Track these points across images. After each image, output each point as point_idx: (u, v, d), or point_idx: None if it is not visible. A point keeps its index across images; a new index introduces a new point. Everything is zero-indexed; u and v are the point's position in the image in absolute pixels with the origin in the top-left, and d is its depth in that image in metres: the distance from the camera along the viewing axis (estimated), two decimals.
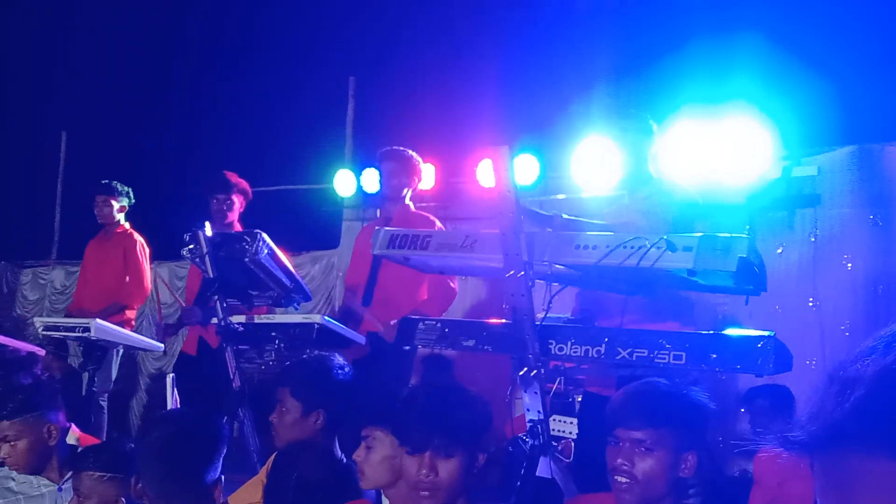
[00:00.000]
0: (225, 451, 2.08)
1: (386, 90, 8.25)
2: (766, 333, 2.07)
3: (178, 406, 2.38)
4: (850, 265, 4.75)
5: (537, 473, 2.43)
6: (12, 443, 2.58)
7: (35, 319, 4.27)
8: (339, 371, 2.64)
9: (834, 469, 0.67)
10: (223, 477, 2.20)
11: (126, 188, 5.34)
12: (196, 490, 1.92)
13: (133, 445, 2.04)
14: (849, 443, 0.65)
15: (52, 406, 2.68)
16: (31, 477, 2.66)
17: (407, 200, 4.31)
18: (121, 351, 4.57)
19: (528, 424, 2.47)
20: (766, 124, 4.26)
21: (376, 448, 2.21)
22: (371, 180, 5.89)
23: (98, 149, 10.60)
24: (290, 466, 2.65)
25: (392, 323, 3.82)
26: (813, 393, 0.71)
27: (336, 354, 2.73)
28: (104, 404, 4.85)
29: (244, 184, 4.76)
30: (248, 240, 3.08)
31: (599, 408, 1.93)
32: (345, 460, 2.60)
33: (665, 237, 2.06)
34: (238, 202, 4.70)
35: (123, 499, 2.28)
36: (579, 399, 3.77)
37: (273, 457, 2.75)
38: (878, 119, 5.15)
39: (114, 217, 5.26)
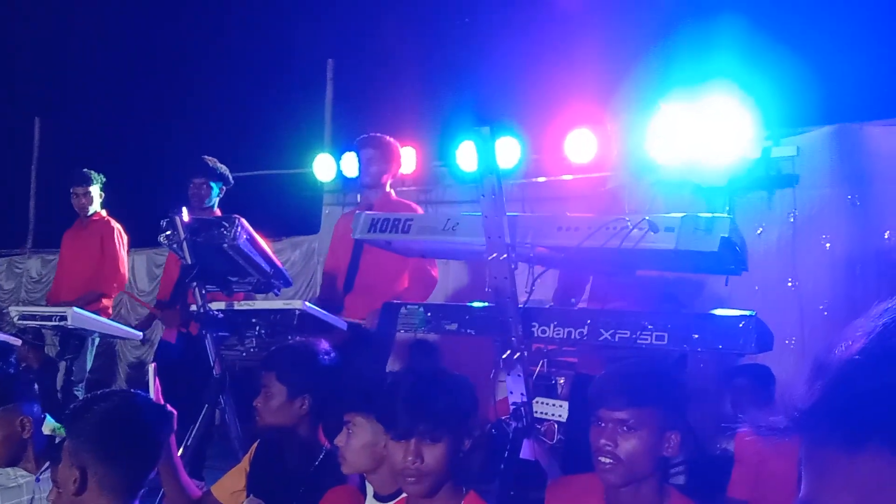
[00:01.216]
0: (162, 446, 1.99)
1: (365, 72, 8.18)
2: (747, 313, 2.08)
3: (160, 395, 2.34)
4: (828, 245, 4.78)
5: (521, 456, 2.43)
6: None
7: (11, 308, 4.21)
8: (325, 356, 2.63)
9: (807, 455, 0.67)
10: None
11: (100, 175, 5.27)
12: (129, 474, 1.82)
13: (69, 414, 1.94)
14: (813, 432, 0.65)
15: (25, 398, 2.64)
16: (8, 469, 2.62)
17: (387, 188, 4.28)
18: (96, 340, 4.51)
19: (511, 407, 2.47)
20: (746, 105, 4.27)
21: (357, 434, 2.20)
22: (351, 165, 5.85)
23: (72, 135, 10.43)
24: (273, 453, 2.63)
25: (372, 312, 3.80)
26: (797, 375, 0.71)
27: (321, 340, 2.71)
28: (79, 394, 4.80)
29: (223, 168, 4.71)
30: (227, 225, 3.03)
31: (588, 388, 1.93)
32: (328, 446, 2.58)
33: (647, 217, 2.05)
34: (217, 187, 4.66)
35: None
36: (562, 381, 3.79)
37: (255, 444, 2.73)
38: (857, 98, 5.18)
39: (90, 205, 5.18)
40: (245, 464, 2.69)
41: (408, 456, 1.79)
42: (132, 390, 2.00)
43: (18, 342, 4.74)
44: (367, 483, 2.35)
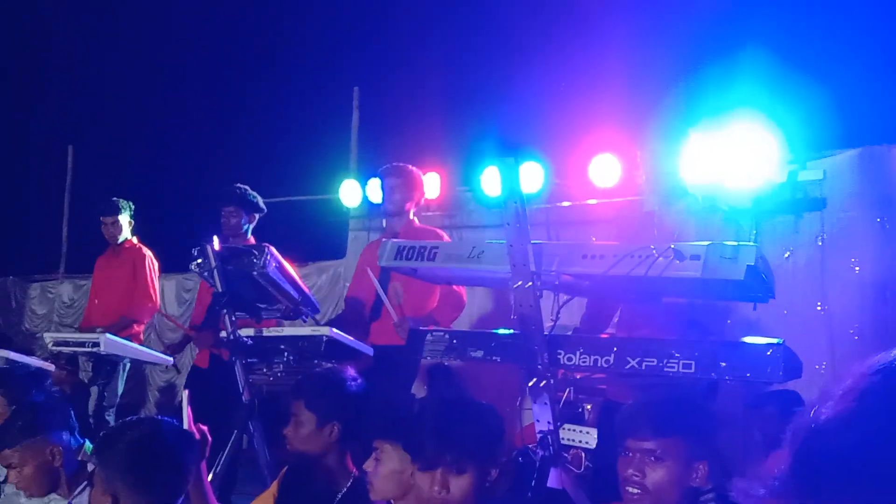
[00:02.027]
0: (192, 470, 2.02)
1: (390, 100, 8.28)
2: (775, 341, 2.07)
3: (192, 422, 2.37)
4: (857, 268, 4.73)
5: (548, 484, 2.43)
6: (19, 469, 2.59)
7: (45, 335, 4.29)
8: (352, 383, 2.65)
9: None
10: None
11: (128, 203, 5.34)
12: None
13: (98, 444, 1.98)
14: (787, 501, 0.66)
15: (54, 427, 2.69)
16: (44, 498, 2.67)
17: (411, 216, 4.32)
18: (127, 365, 4.58)
19: (538, 435, 2.47)
20: (772, 129, 4.26)
21: (384, 461, 2.22)
22: (376, 191, 5.91)
23: (105, 162, 10.65)
24: (302, 480, 2.65)
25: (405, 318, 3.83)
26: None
27: (348, 367, 2.73)
28: (110, 419, 4.86)
29: (255, 196, 4.76)
30: (256, 253, 3.09)
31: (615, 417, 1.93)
32: (356, 473, 2.60)
33: (672, 246, 2.06)
34: (248, 215, 4.70)
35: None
36: (589, 408, 3.76)
37: (284, 470, 2.75)
38: (883, 121, 5.14)
39: (120, 234, 5.26)
40: (274, 489, 2.71)
41: (434, 486, 1.80)
42: (160, 417, 2.04)
43: (52, 367, 4.84)
44: None
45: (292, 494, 2.65)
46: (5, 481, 2.80)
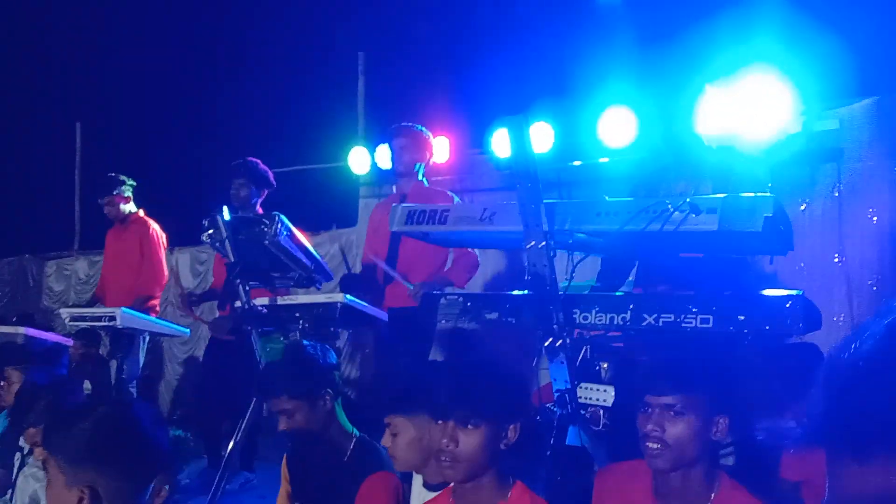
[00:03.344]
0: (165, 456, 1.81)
1: (396, 64, 8.18)
2: (794, 293, 2.05)
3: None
4: (875, 219, 4.66)
5: (567, 442, 2.43)
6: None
7: (62, 310, 4.32)
8: (315, 351, 2.60)
9: (827, 461, 0.65)
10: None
11: (122, 177, 5.31)
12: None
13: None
14: (826, 442, 0.64)
15: (75, 402, 2.71)
16: None
17: (420, 176, 4.29)
18: (147, 338, 4.62)
19: (556, 394, 2.47)
20: (787, 79, 4.17)
21: (401, 433, 2.23)
22: (385, 157, 5.87)
23: (113, 138, 10.65)
24: (304, 458, 2.64)
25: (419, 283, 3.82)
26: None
27: (302, 340, 2.68)
28: (134, 391, 4.92)
29: (263, 168, 4.77)
30: (267, 222, 3.08)
31: (634, 374, 1.92)
32: (357, 434, 2.59)
33: (688, 199, 2.02)
34: (258, 187, 4.71)
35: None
36: (605, 366, 3.76)
37: (284, 459, 2.75)
38: None
39: (123, 211, 5.27)
40: (285, 482, 2.72)
41: (443, 438, 1.81)
42: (115, 397, 1.91)
43: (70, 342, 4.88)
44: (414, 475, 2.37)
45: (301, 476, 2.66)
46: (27, 456, 2.84)
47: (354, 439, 2.57)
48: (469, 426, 1.82)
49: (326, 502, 2.51)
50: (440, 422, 1.86)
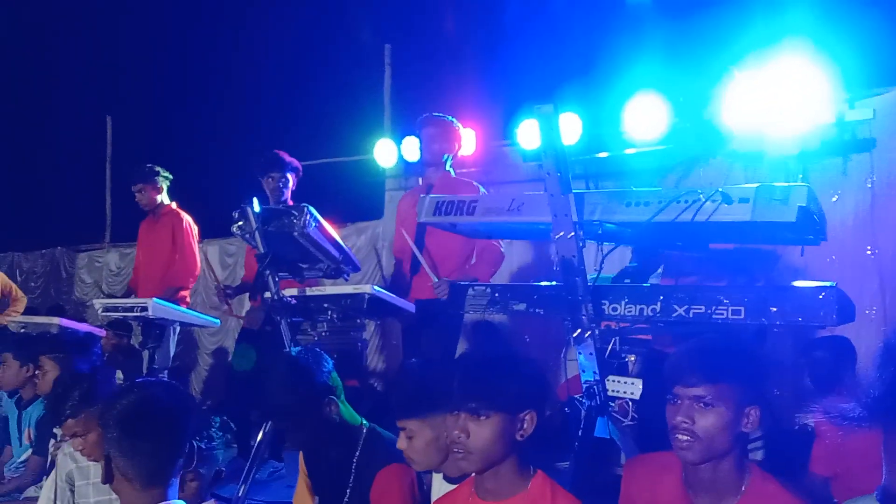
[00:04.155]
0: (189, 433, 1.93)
1: (422, 56, 8.17)
2: (827, 284, 2.02)
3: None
4: None
5: (595, 434, 2.43)
6: (84, 437, 2.65)
7: (95, 301, 4.40)
8: (308, 364, 2.52)
9: (886, 442, 0.65)
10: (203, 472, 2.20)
11: (158, 168, 5.37)
12: (152, 467, 1.80)
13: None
14: (888, 420, 0.63)
15: (109, 391, 2.75)
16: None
17: (448, 167, 4.30)
18: (177, 328, 4.68)
19: (584, 385, 2.46)
20: (820, 67, 4.10)
21: (416, 436, 2.20)
22: (411, 149, 5.87)
23: (143, 130, 10.77)
24: (319, 456, 2.64)
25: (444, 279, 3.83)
26: (872, 360, 0.68)
27: (292, 355, 2.57)
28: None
29: (295, 161, 4.83)
30: (296, 214, 3.10)
31: (662, 365, 1.90)
32: (367, 425, 2.59)
33: (720, 189, 2.00)
34: (292, 179, 4.77)
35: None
36: (632, 359, 3.74)
37: (301, 456, 2.75)
38: None
39: (155, 200, 5.32)
40: (303, 475, 2.74)
41: (454, 429, 1.82)
42: (159, 379, 2.01)
43: (103, 333, 4.97)
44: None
45: (319, 472, 2.66)
46: (61, 443, 2.89)
47: (364, 431, 2.55)
48: (481, 416, 1.81)
49: (343, 496, 2.52)
50: (454, 413, 1.86)
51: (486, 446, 1.81)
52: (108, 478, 1.80)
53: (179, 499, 1.84)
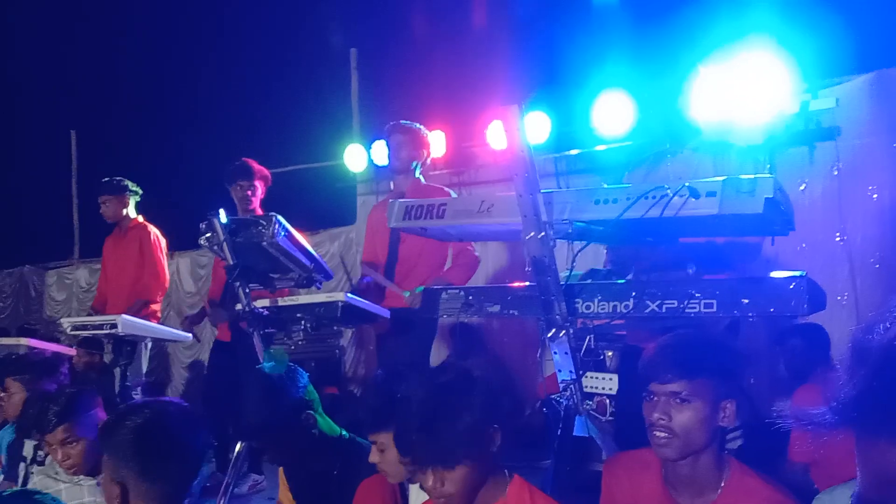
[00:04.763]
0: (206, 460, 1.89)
1: (389, 59, 8.14)
2: (797, 274, 2.02)
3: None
4: (875, 196, 4.64)
5: (574, 433, 2.41)
6: (72, 444, 2.59)
7: (62, 320, 4.30)
8: (283, 383, 2.49)
9: (859, 447, 0.63)
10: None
11: (127, 183, 5.29)
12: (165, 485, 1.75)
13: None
14: (861, 425, 0.61)
15: (96, 405, 2.70)
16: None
17: (417, 174, 4.27)
18: (149, 344, 4.60)
19: (560, 385, 2.45)
20: (782, 59, 4.14)
21: (388, 449, 2.15)
22: (381, 153, 5.84)
23: (109, 144, 10.62)
24: (299, 471, 2.61)
25: (415, 291, 3.81)
26: (841, 363, 0.66)
27: (266, 374, 2.53)
28: (137, 397, 4.90)
29: (264, 170, 4.79)
30: (264, 223, 3.05)
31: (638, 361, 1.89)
32: (346, 435, 2.55)
33: (687, 184, 2.00)
34: (260, 188, 4.73)
35: None
36: (610, 355, 3.74)
37: (281, 471, 2.72)
38: (895, 42, 4.99)
39: (120, 214, 5.24)
40: (284, 488, 2.70)
41: (427, 482, 1.75)
42: (167, 399, 1.94)
43: (73, 352, 4.87)
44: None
45: (300, 485, 2.63)
46: (31, 465, 2.82)
47: (343, 442, 2.52)
48: (450, 468, 1.72)
49: None
50: (422, 470, 1.76)
51: (464, 488, 1.75)
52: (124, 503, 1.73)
53: None
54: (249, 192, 4.66)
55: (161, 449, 1.75)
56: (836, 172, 4.74)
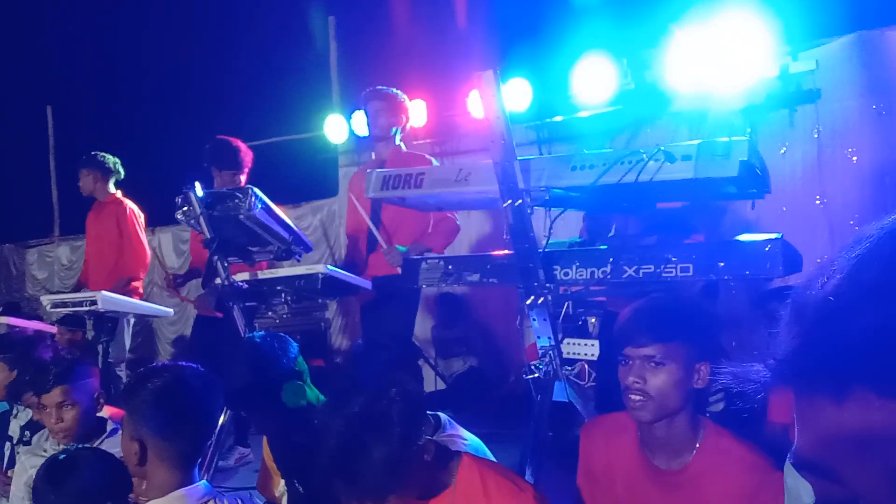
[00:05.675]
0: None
1: (368, 28, 8.03)
2: (773, 236, 2.03)
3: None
4: (855, 158, 4.65)
5: (553, 399, 2.43)
6: (67, 408, 2.57)
7: (42, 298, 4.28)
8: (273, 351, 2.44)
9: (796, 405, 0.62)
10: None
11: (105, 157, 5.23)
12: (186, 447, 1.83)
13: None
14: (796, 382, 0.61)
15: (92, 375, 2.70)
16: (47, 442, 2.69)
17: (397, 140, 4.24)
18: (132, 320, 4.58)
19: (540, 351, 2.46)
20: (761, 20, 4.12)
21: None
22: (361, 123, 5.79)
23: (86, 119, 10.46)
24: (286, 442, 2.60)
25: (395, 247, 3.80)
26: (780, 319, 0.66)
27: (256, 340, 2.48)
28: (122, 374, 4.90)
29: (236, 145, 4.64)
30: (241, 196, 3.03)
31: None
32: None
33: (662, 148, 2.00)
34: (234, 165, 4.60)
35: None
36: (593, 321, 3.77)
37: (265, 442, 2.72)
38: (875, 2, 4.96)
39: (96, 188, 5.18)
40: (269, 459, 2.70)
41: None
42: (182, 363, 2.00)
43: (54, 329, 4.85)
44: None
45: (283, 453, 2.63)
46: (17, 445, 2.81)
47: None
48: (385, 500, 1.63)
49: (310, 479, 2.49)
50: None
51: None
52: (142, 461, 1.82)
53: None
54: (226, 178, 4.54)
55: (178, 410, 1.83)
56: (816, 135, 4.75)
